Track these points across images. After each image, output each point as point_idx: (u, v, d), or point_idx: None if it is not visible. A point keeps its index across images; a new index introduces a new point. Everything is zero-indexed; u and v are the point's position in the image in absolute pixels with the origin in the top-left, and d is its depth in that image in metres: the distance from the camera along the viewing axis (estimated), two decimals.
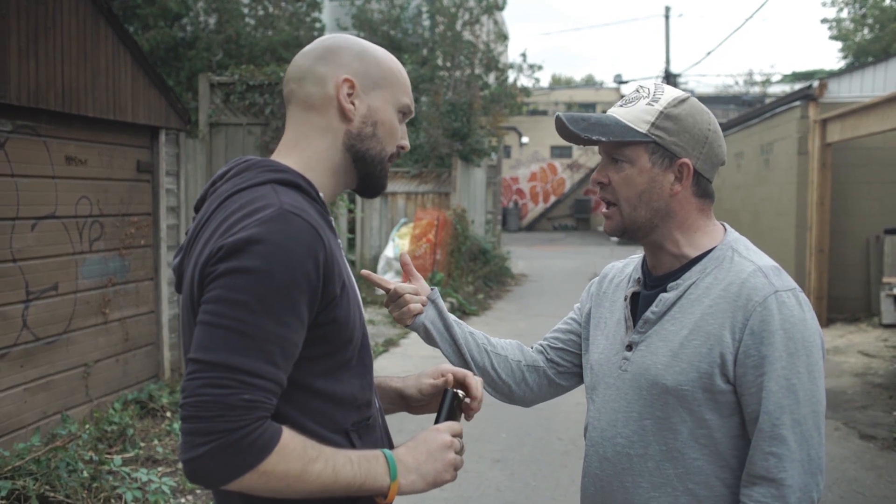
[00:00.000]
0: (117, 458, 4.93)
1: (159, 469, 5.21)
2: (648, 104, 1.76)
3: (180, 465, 5.29)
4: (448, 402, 1.71)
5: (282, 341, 1.40)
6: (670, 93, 1.78)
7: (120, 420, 5.73)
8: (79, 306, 5.91)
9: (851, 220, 11.60)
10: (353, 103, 1.62)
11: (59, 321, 5.71)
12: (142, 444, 5.58)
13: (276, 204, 1.44)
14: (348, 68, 1.63)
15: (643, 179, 1.76)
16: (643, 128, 1.74)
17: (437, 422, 1.69)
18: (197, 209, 1.65)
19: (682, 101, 1.77)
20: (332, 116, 1.63)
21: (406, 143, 1.72)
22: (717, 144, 1.80)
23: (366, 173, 1.68)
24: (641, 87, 1.83)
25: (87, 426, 5.59)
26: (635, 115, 1.76)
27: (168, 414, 6.27)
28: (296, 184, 1.54)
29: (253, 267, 1.38)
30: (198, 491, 5.00)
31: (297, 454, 1.40)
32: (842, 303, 11.48)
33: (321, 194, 1.59)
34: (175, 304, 7.29)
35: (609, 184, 1.80)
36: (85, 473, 4.72)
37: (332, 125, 1.63)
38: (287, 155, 1.63)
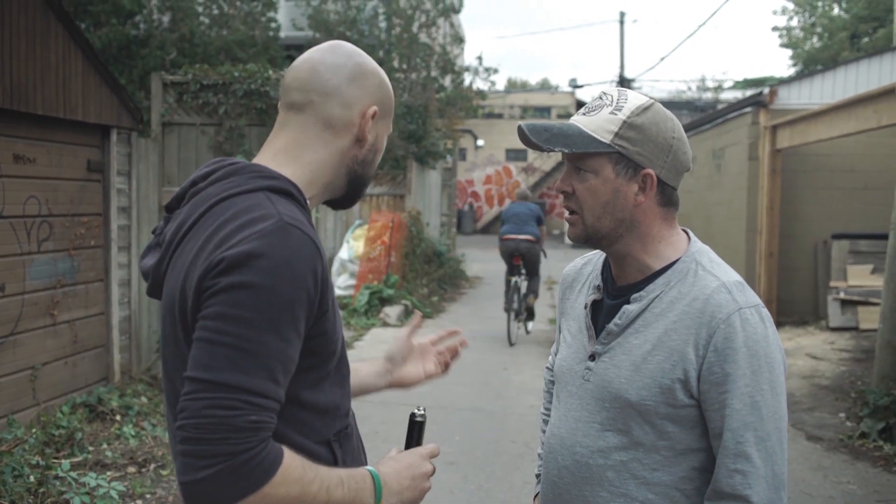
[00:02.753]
0: (65, 463, 4.85)
1: (108, 474, 5.12)
2: (612, 113, 1.73)
3: (130, 470, 5.23)
4: (418, 429, 1.74)
5: (283, 358, 1.37)
6: (634, 100, 1.75)
7: (68, 424, 5.63)
8: (26, 308, 5.80)
9: (800, 225, 11.81)
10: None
11: (6, 323, 5.60)
12: (90, 449, 5.49)
13: (275, 215, 1.41)
14: (374, 97, 1.62)
15: (607, 190, 1.74)
16: (606, 138, 1.71)
17: (408, 446, 1.72)
18: (170, 208, 1.60)
19: (646, 108, 1.74)
20: (347, 140, 1.61)
21: None
22: (682, 152, 1.77)
23: (353, 193, 1.68)
24: (605, 93, 1.80)
25: (33, 430, 5.48)
26: (598, 124, 1.73)
27: (118, 417, 6.17)
28: (288, 192, 1.50)
29: (256, 282, 1.34)
30: (147, 496, 4.93)
31: (297, 476, 1.38)
32: (790, 306, 11.68)
33: (308, 202, 1.57)
34: (125, 306, 7.19)
35: (573, 193, 1.77)
36: (31, 478, 4.63)
37: (344, 148, 1.61)
38: (284, 162, 1.58)
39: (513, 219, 10.78)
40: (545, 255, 11.08)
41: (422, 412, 1.77)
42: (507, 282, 10.79)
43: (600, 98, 1.79)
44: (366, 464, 1.64)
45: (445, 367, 2.06)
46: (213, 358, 1.33)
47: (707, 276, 1.74)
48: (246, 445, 1.31)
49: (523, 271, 10.74)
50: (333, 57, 1.62)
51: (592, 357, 1.81)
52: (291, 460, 1.38)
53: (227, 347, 1.33)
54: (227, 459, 1.30)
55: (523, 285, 10.75)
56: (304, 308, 1.40)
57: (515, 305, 10.53)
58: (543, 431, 2.14)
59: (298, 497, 1.38)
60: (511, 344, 10.47)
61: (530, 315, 11.04)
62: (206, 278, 1.37)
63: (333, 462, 1.54)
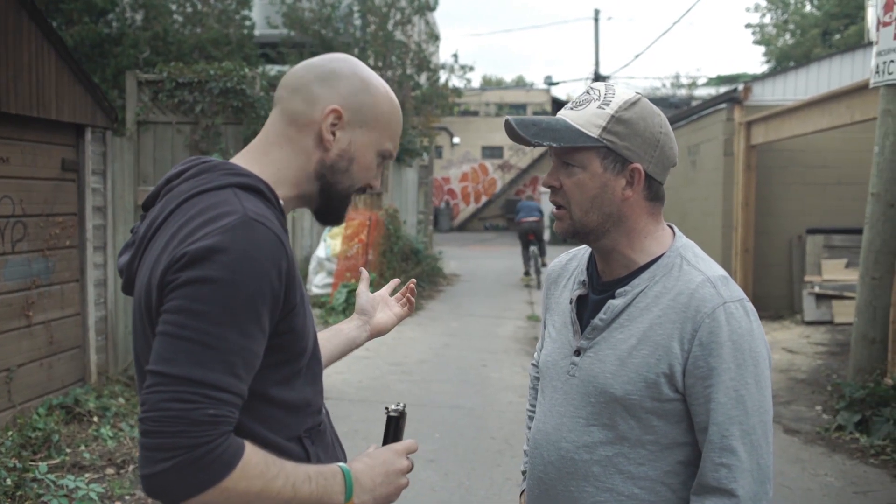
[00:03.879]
0: (42, 465, 4.79)
1: (86, 475, 5.08)
2: (599, 107, 1.73)
3: (108, 472, 5.18)
4: (394, 425, 1.74)
5: (245, 352, 1.38)
6: (621, 95, 1.75)
7: (44, 426, 5.57)
8: (1, 309, 5.74)
9: (775, 220, 11.90)
10: (333, 134, 1.59)
11: None
12: (68, 451, 5.44)
13: (239, 211, 1.41)
14: (343, 98, 1.59)
15: (595, 184, 1.74)
16: (594, 132, 1.71)
17: (385, 443, 1.71)
18: (146, 207, 1.60)
19: (634, 103, 1.74)
20: (309, 139, 1.59)
21: (376, 182, 1.70)
22: (669, 147, 1.78)
23: (328, 204, 1.66)
24: (592, 88, 1.80)
25: (9, 432, 5.42)
26: (586, 118, 1.73)
27: (95, 419, 6.12)
28: (257, 189, 1.50)
29: (217, 277, 1.34)
30: (126, 497, 4.90)
31: (259, 471, 1.38)
32: (766, 301, 11.76)
33: (281, 202, 1.57)
34: (101, 307, 7.12)
35: (561, 188, 1.78)
36: (8, 481, 4.58)
37: (307, 148, 1.60)
38: (254, 160, 1.59)
39: (524, 209, 17.14)
40: (547, 233, 17.87)
41: (396, 407, 1.75)
42: (525, 255, 17.10)
43: (588, 93, 1.79)
44: (345, 461, 1.63)
45: (410, 304, 2.23)
46: (173, 352, 1.34)
47: (692, 270, 1.74)
48: (204, 439, 1.31)
49: (536, 243, 16.77)
50: (318, 59, 1.64)
51: (577, 352, 1.81)
52: (253, 455, 1.38)
53: (187, 342, 1.34)
54: (186, 452, 1.31)
55: (537, 252, 16.70)
56: (268, 303, 1.40)
57: (533, 265, 16.62)
58: (529, 428, 2.13)
59: (260, 492, 1.38)
60: (539, 287, 15.57)
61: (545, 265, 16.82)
62: (168, 273, 1.38)
63: (306, 459, 1.55)
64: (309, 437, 1.58)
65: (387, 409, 1.75)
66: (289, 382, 1.52)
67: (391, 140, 1.67)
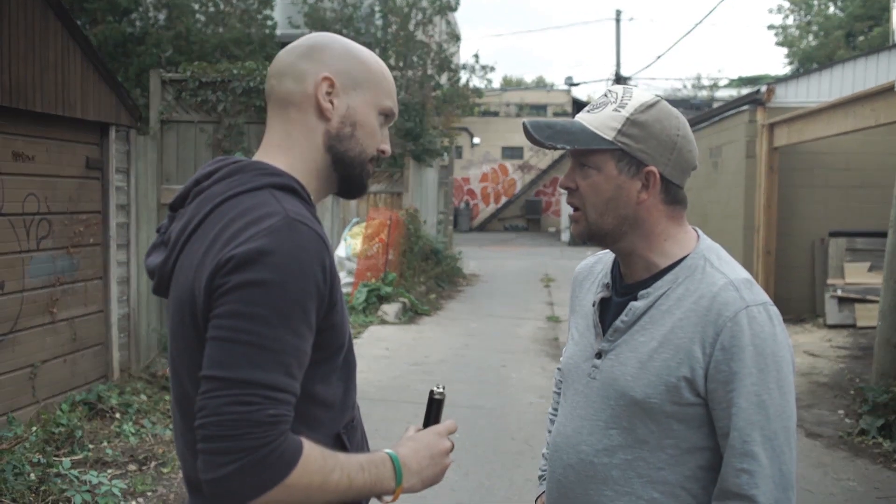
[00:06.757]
0: (66, 461, 4.84)
1: (109, 471, 5.12)
2: (615, 110, 1.72)
3: (130, 468, 5.22)
4: (436, 407, 1.74)
5: (297, 352, 1.39)
6: (638, 97, 1.74)
7: (68, 422, 5.62)
8: (26, 305, 5.79)
9: (797, 222, 11.82)
10: (331, 102, 1.58)
11: (5, 321, 5.59)
12: (91, 447, 5.48)
13: (280, 212, 1.42)
14: (329, 66, 1.59)
15: (610, 187, 1.73)
16: (609, 135, 1.71)
17: (426, 424, 1.72)
18: (174, 207, 1.61)
19: (651, 106, 1.73)
20: (310, 115, 1.59)
21: (387, 147, 1.69)
22: (687, 150, 1.76)
23: (346, 175, 1.65)
24: (610, 91, 1.79)
25: (33, 428, 5.47)
26: (602, 121, 1.73)
27: (117, 415, 6.17)
28: (292, 188, 1.51)
29: (267, 279, 1.35)
30: (148, 493, 4.93)
31: (317, 466, 1.40)
32: (788, 303, 11.68)
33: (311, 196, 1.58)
34: (124, 304, 7.18)
35: (577, 189, 1.77)
36: (32, 476, 4.63)
37: (311, 124, 1.59)
38: (274, 155, 1.59)
39: None
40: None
41: (440, 390, 1.76)
42: None
43: (605, 96, 1.78)
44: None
45: None
46: (230, 355, 1.35)
47: (715, 273, 1.72)
48: (267, 439, 1.33)
49: None
50: (296, 42, 1.64)
51: (599, 355, 1.80)
52: (311, 451, 1.40)
53: (243, 345, 1.35)
54: (250, 454, 1.32)
55: None
56: (315, 302, 1.41)
57: None
58: (549, 431, 2.13)
59: (321, 486, 1.40)
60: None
61: None
62: (215, 277, 1.38)
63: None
64: (346, 432, 1.59)
65: (433, 391, 1.76)
66: (328, 379, 1.53)
67: (388, 97, 1.65)
